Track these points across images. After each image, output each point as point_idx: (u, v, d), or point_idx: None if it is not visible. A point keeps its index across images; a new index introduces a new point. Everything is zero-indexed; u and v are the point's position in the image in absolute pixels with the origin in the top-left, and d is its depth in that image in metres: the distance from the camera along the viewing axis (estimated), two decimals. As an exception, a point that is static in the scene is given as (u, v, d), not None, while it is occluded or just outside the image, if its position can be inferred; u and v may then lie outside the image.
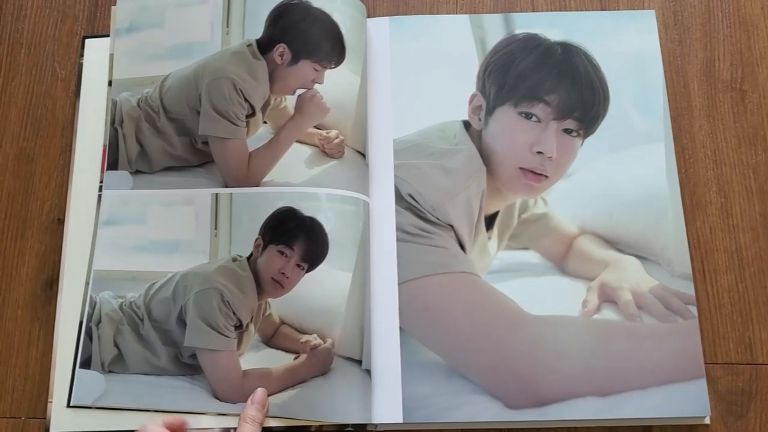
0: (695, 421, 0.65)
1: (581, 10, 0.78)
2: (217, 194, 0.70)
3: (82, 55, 0.78)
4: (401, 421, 0.64)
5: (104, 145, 0.73)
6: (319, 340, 0.66)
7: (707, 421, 0.65)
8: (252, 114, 0.71)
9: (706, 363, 0.66)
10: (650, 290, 0.67)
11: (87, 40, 0.79)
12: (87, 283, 0.69)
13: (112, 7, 0.78)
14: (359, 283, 0.67)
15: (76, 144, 0.75)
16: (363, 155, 0.72)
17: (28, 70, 0.79)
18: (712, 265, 0.70)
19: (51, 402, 0.67)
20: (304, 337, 0.67)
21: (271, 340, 0.68)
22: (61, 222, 0.73)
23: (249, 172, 0.70)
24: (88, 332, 0.67)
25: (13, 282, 0.72)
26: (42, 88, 0.78)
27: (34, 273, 0.73)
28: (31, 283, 0.72)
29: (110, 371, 0.66)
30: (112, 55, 0.76)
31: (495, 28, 0.75)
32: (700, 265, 0.70)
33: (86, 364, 0.67)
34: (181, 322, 0.66)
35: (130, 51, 0.75)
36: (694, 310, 0.67)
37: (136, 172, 0.72)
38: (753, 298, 0.69)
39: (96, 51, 0.78)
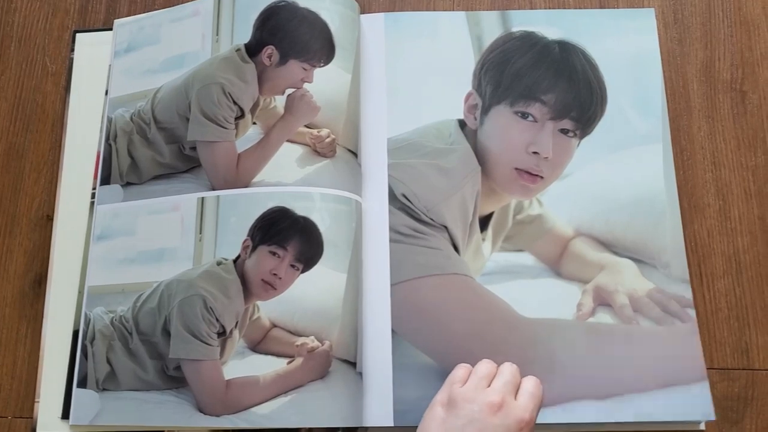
0: (691, 427, 0.64)
1: (580, 8, 0.77)
2: (203, 198, 0.69)
3: (72, 50, 0.77)
4: (392, 425, 0.63)
5: (97, 156, 0.73)
6: (316, 343, 0.64)
7: (702, 426, 0.64)
8: (241, 116, 0.71)
9: (701, 368, 0.65)
10: (647, 293, 0.66)
11: (78, 35, 0.78)
12: (80, 302, 0.69)
13: (114, 23, 0.77)
14: (353, 284, 0.66)
15: (66, 140, 0.74)
16: (355, 154, 0.71)
17: (18, 64, 0.78)
18: (709, 268, 0.69)
19: (38, 402, 0.67)
20: (300, 340, 0.65)
21: (259, 345, 0.66)
22: (50, 219, 0.72)
23: (238, 174, 0.69)
24: (83, 350, 0.67)
25: (1, 279, 0.72)
26: (32, 83, 0.77)
27: (23, 270, 0.72)
28: (19, 280, 0.71)
29: (104, 389, 0.65)
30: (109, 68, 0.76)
31: (492, 26, 0.74)
32: (697, 269, 0.69)
33: (83, 383, 0.66)
34: (166, 332, 0.65)
35: (127, 69, 0.75)
36: (692, 313, 0.66)
37: (126, 184, 0.72)
38: (750, 303, 0.68)
39: (87, 46, 0.77)
